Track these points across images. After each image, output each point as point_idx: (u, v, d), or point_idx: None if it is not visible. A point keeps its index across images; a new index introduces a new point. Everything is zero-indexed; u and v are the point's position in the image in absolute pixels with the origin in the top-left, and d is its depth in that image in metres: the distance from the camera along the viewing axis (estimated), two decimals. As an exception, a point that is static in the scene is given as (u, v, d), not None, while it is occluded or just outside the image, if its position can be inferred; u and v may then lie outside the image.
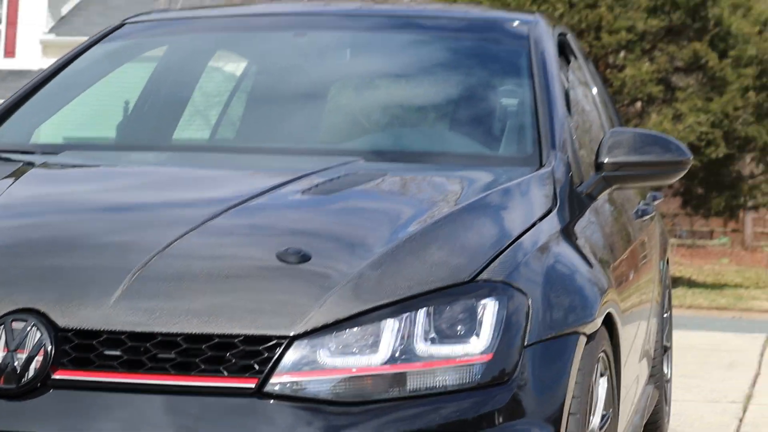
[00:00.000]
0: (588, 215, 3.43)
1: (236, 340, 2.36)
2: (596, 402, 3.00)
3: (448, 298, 2.53)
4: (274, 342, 2.37)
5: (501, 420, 2.47)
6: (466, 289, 2.56)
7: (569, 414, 2.64)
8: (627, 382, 3.75)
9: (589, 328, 2.81)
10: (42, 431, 2.29)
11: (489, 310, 2.53)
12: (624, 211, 4.16)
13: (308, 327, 2.39)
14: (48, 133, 4.10)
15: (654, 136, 3.54)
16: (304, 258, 2.55)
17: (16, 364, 2.33)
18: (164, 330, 2.36)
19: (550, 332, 2.64)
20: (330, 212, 2.94)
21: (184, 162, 3.73)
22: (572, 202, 3.31)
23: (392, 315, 2.46)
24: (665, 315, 5.65)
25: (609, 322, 3.09)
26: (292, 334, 2.37)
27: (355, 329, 2.43)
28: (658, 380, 5.19)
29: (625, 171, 3.44)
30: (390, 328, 2.45)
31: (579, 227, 3.27)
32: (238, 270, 2.53)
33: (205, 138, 4.52)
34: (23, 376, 2.33)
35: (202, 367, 2.34)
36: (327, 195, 3.05)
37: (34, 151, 3.66)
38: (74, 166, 3.60)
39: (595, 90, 4.70)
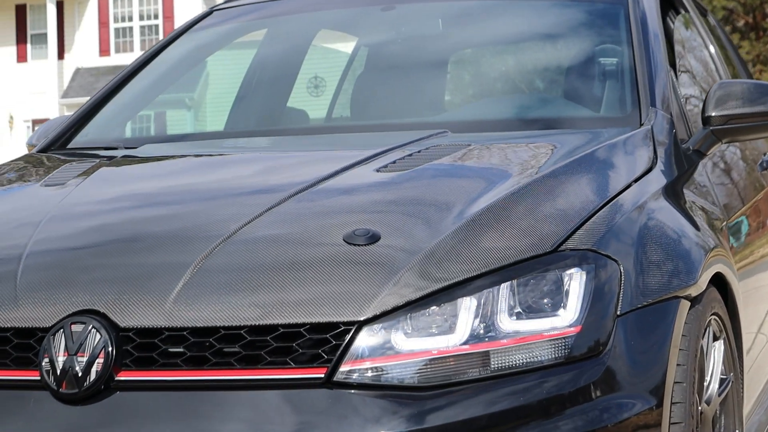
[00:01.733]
0: (695, 172, 3.22)
1: (302, 329, 2.20)
2: (713, 367, 2.79)
3: (530, 271, 2.33)
4: (342, 329, 2.20)
5: (597, 394, 2.27)
6: (549, 259, 2.36)
7: (675, 383, 2.43)
8: (761, 342, 3.56)
9: (692, 291, 2.58)
10: None
11: (576, 280, 2.34)
12: (746, 164, 3.92)
13: (377, 311, 2.21)
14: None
15: (762, 86, 3.31)
16: (373, 239, 2.37)
17: (77, 368, 2.21)
18: (227, 323, 2.21)
19: (647, 299, 2.44)
20: (403, 189, 2.74)
21: (270, 146, 3.60)
22: (676, 160, 3.11)
23: (469, 292, 2.28)
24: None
25: (722, 283, 2.88)
26: (360, 319, 2.20)
27: (430, 309, 2.25)
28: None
29: (735, 123, 3.24)
30: (467, 306, 2.27)
31: (683, 185, 3.05)
32: (303, 256, 2.37)
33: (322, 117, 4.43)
34: (85, 380, 2.20)
35: (268, 359, 2.19)
36: (402, 172, 2.85)
37: (117, 147, 3.55)
38: (148, 160, 3.48)
39: (712, 47, 4.44)
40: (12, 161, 3.55)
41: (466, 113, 3.66)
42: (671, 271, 2.56)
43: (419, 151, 2.97)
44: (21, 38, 37.69)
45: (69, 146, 3.70)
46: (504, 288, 2.30)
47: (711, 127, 3.25)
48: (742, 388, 3.06)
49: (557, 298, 2.32)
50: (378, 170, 2.83)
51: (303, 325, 2.20)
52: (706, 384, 2.76)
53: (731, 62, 4.83)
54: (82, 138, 3.73)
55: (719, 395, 2.82)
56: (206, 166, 3.35)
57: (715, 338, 2.82)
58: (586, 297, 2.32)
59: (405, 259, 2.32)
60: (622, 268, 2.42)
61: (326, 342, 2.20)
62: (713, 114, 3.22)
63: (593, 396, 2.27)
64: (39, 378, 2.24)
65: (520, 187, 2.63)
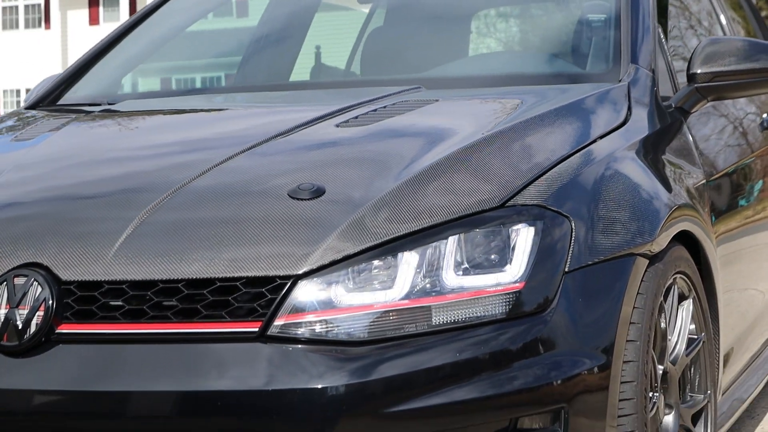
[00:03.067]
0: (675, 129, 3.14)
1: (239, 284, 2.19)
2: (680, 327, 2.74)
3: (475, 226, 2.30)
4: (277, 283, 2.18)
5: (542, 351, 2.25)
6: (496, 215, 2.33)
7: (628, 341, 2.39)
8: (744, 301, 3.51)
9: (651, 249, 2.53)
10: (47, 387, 2.18)
11: (522, 236, 2.31)
12: (741, 123, 3.83)
13: (314, 265, 2.19)
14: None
15: (755, 43, 3.23)
16: (317, 193, 2.35)
17: (18, 320, 2.22)
18: (165, 277, 2.21)
19: (599, 256, 2.40)
20: (357, 145, 2.72)
21: (246, 102, 3.58)
22: (653, 117, 3.04)
23: (412, 247, 2.24)
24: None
25: (693, 241, 2.84)
26: (296, 273, 2.19)
27: (370, 264, 2.23)
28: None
29: (722, 81, 3.16)
30: (408, 261, 2.24)
31: (657, 142, 2.98)
32: (245, 210, 2.35)
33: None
34: (25, 332, 2.21)
35: (205, 313, 2.19)
36: (359, 127, 2.82)
37: (101, 103, 3.55)
38: (119, 116, 3.46)
39: (722, 14, 4.33)
40: (6, 116, 3.60)
41: (449, 70, 3.62)
42: (627, 228, 2.51)
43: (384, 107, 2.95)
44: (93, 1, 38.15)
45: (59, 102, 3.71)
46: (449, 243, 2.27)
47: (696, 85, 3.18)
48: (718, 349, 3.01)
49: (503, 253, 2.29)
50: (338, 125, 2.81)
51: (240, 279, 2.19)
52: (672, 343, 2.71)
53: (749, 25, 4.72)
54: (73, 94, 3.75)
55: (687, 355, 2.76)
56: (171, 122, 3.34)
57: (683, 298, 2.77)
58: (532, 253, 2.29)
59: (347, 213, 2.29)
60: (573, 224, 2.38)
61: (262, 296, 2.18)
62: (698, 71, 3.15)
63: (538, 352, 2.25)
64: None
65: (475, 141, 2.59)
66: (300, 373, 2.13)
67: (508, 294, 2.24)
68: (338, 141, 2.75)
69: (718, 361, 3.01)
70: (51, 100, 3.74)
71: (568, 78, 3.29)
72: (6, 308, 2.24)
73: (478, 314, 2.23)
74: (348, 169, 2.52)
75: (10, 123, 3.49)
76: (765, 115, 4.09)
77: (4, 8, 40.19)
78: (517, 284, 2.25)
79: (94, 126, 3.32)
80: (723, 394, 3.20)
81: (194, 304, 2.19)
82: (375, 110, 2.92)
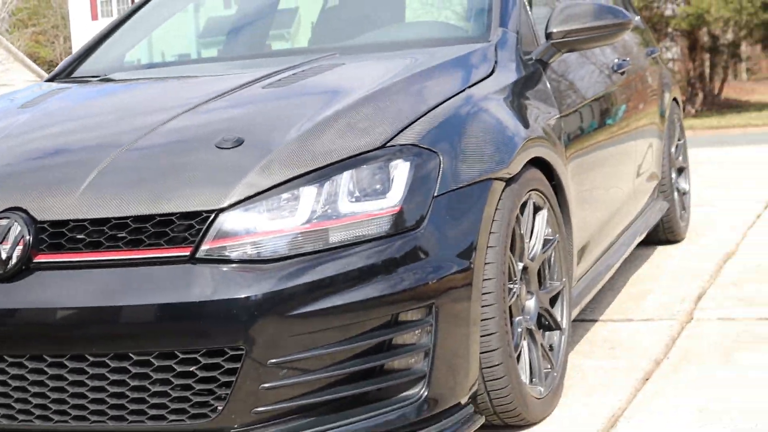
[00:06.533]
0: (535, 77, 3.59)
1: (174, 218, 2.57)
2: (537, 231, 3.19)
3: (362, 163, 2.68)
4: (203, 216, 2.57)
5: (415, 259, 2.63)
6: (379, 154, 2.71)
7: (488, 247, 2.81)
8: (601, 202, 4.01)
9: (505, 174, 2.94)
10: (29, 305, 2.59)
11: (399, 169, 2.69)
12: (592, 69, 4.31)
13: (232, 200, 2.57)
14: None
15: (600, 6, 3.74)
16: (238, 142, 2.74)
17: (2, 253, 2.63)
18: (117, 214, 2.60)
19: (462, 182, 2.79)
20: (274, 102, 3.12)
21: (208, 70, 4.03)
22: (516, 68, 3.50)
23: (310, 182, 2.62)
24: (679, 141, 5.88)
25: (547, 165, 3.29)
26: (218, 207, 2.57)
27: (277, 197, 2.60)
28: (668, 195, 5.47)
29: (571, 37, 3.69)
30: (309, 193, 2.61)
31: (518, 87, 3.41)
32: (182, 160, 2.73)
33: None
34: (8, 263, 2.63)
35: (147, 242, 2.57)
36: (279, 88, 3.22)
37: (103, 75, 4.05)
38: (108, 83, 3.93)
39: None
40: (25, 88, 4.07)
41: (362, 39, 4.04)
42: (486, 158, 2.91)
43: (303, 71, 3.38)
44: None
45: (73, 75, 4.19)
46: (343, 177, 2.65)
47: (551, 41, 3.70)
48: (571, 245, 3.52)
49: (385, 184, 2.67)
50: (264, 87, 3.23)
51: (174, 214, 2.58)
52: (531, 245, 3.17)
53: None
54: (86, 67, 4.22)
55: (543, 252, 3.22)
56: (141, 88, 3.77)
57: (539, 209, 3.21)
58: (407, 183, 2.68)
59: (261, 158, 2.67)
60: (441, 158, 2.77)
61: (192, 227, 2.57)
62: (554, 30, 3.69)
63: (413, 260, 2.63)
64: None
65: (367, 95, 2.98)
66: (222, 287, 2.51)
67: (389, 216, 2.63)
68: (260, 99, 3.15)
69: (572, 254, 3.51)
70: (67, 73, 4.23)
71: (453, 41, 3.70)
72: None
73: (366, 233, 2.62)
74: (265, 121, 2.91)
75: (26, 92, 3.92)
76: (615, 60, 4.59)
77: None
78: (395, 208, 2.64)
79: (82, 93, 3.77)
80: (579, 281, 3.72)
81: (140, 236, 2.58)
82: (295, 73, 3.35)
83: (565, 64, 3.93)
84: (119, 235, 2.61)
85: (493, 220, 2.88)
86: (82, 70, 4.24)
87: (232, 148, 2.75)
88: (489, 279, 2.82)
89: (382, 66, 3.42)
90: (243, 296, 2.50)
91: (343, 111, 2.90)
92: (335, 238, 2.62)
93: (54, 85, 4.00)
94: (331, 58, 3.62)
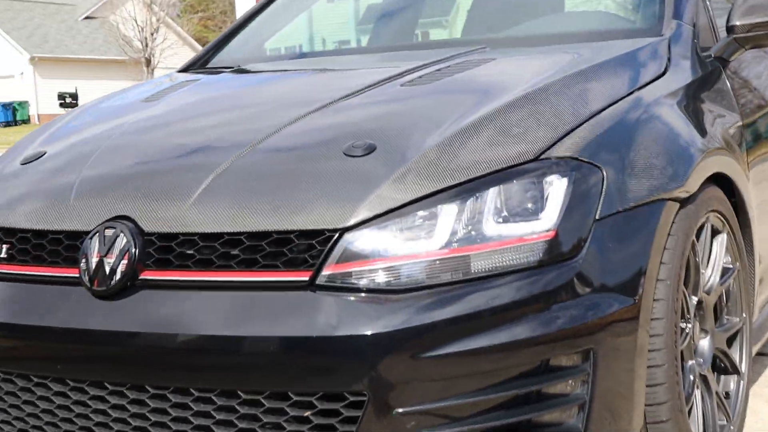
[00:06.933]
0: (714, 77, 3.14)
1: (292, 236, 2.25)
2: (714, 259, 2.77)
3: (511, 179, 2.30)
4: (326, 235, 2.23)
5: (571, 295, 2.24)
6: (531, 167, 2.32)
7: (658, 281, 2.39)
8: None
9: (681, 193, 2.52)
10: (129, 327, 2.30)
11: (555, 187, 2.30)
12: None
13: (359, 218, 2.23)
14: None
15: None
16: (369, 149, 2.39)
17: (106, 267, 2.34)
18: (230, 229, 2.29)
19: (629, 203, 2.38)
20: (413, 102, 2.75)
21: (338, 64, 3.69)
22: (692, 67, 3.05)
23: (451, 199, 2.27)
24: None
25: (728, 180, 2.85)
26: (343, 226, 2.23)
27: (413, 216, 2.25)
28: None
29: (758, 31, 3.21)
30: (448, 212, 2.26)
31: (694, 89, 2.97)
32: (304, 167, 2.40)
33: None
34: (112, 278, 2.34)
35: (263, 263, 2.25)
36: (419, 86, 2.85)
37: (237, 66, 3.79)
38: (241, 74, 3.65)
39: None
40: (156, 79, 3.86)
41: (514, 31, 3.66)
42: (658, 174, 2.49)
43: (448, 66, 2.98)
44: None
45: (208, 65, 3.94)
46: (489, 194, 2.28)
47: (734, 36, 3.22)
48: (753, 275, 3.05)
49: (537, 204, 2.28)
50: (402, 85, 2.86)
51: (293, 231, 2.24)
52: (706, 276, 2.75)
53: None
54: (223, 57, 3.98)
55: (722, 284, 2.79)
56: (270, 82, 3.46)
57: (717, 233, 2.79)
58: (564, 203, 2.28)
59: (394, 169, 2.32)
60: (605, 174, 2.36)
61: (312, 247, 2.23)
62: (737, 23, 3.20)
63: (569, 296, 2.23)
64: (78, 276, 2.40)
65: (519, 97, 2.58)
66: (345, 321, 2.16)
67: (541, 242, 2.24)
68: (398, 99, 2.78)
69: (753, 286, 3.04)
70: (201, 63, 3.98)
71: (619, 34, 3.27)
72: (97, 257, 2.37)
73: (514, 262, 2.23)
74: (401, 126, 2.53)
75: (153, 84, 3.67)
76: None
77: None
78: (550, 232, 2.25)
79: (208, 87, 3.49)
80: (761, 311, 3.24)
81: (254, 255, 2.26)
82: (439, 69, 2.96)
83: (742, 61, 3.45)
84: (232, 253, 2.29)
85: (664, 249, 2.45)
86: (218, 60, 3.97)
87: (363, 156, 2.40)
88: (658, 319, 2.40)
89: (536, 62, 3.02)
90: (369, 332, 2.14)
91: (489, 116, 2.50)
92: (478, 266, 2.23)
93: (182, 76, 3.73)
94: (480, 53, 3.21)
